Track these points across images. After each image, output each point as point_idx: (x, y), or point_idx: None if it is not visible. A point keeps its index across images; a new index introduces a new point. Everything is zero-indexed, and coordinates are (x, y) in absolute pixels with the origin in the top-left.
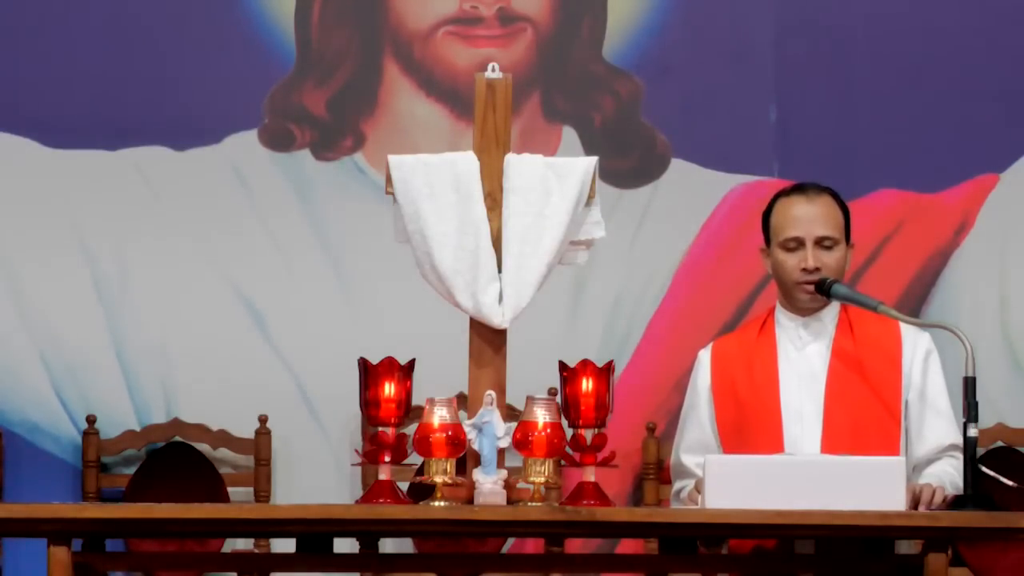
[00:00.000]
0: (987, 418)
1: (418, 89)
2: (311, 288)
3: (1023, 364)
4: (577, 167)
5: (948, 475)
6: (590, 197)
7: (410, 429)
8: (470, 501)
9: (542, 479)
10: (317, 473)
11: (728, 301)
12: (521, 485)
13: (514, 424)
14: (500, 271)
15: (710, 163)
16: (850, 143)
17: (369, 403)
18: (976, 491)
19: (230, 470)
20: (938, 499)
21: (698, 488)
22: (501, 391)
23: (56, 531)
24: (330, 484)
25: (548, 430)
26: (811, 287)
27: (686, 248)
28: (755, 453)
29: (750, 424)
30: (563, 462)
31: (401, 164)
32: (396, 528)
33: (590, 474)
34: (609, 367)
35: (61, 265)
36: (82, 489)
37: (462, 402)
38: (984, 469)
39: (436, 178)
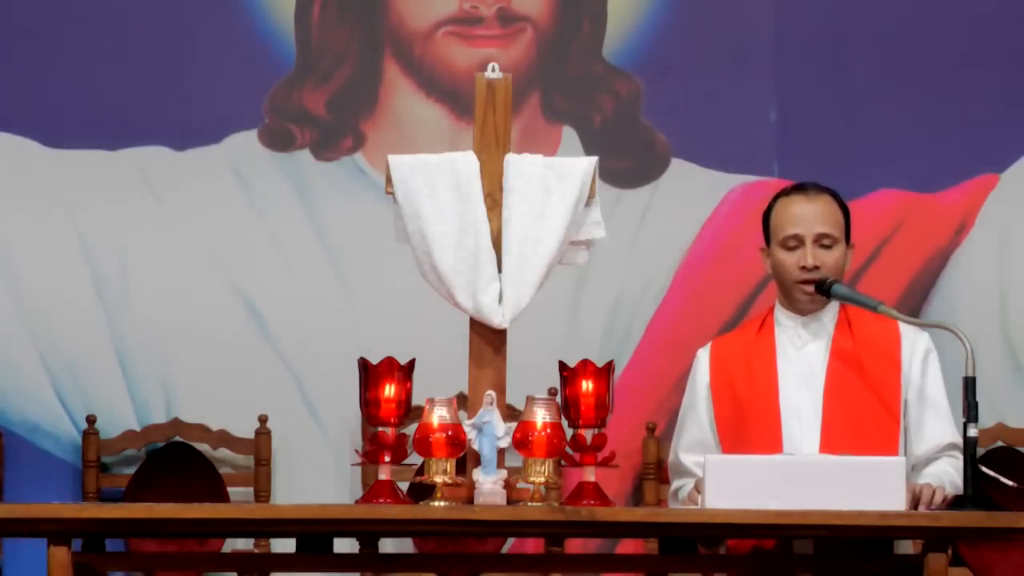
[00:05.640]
0: (987, 418)
1: (418, 89)
2: (311, 288)
3: (1023, 364)
4: (577, 167)
5: (948, 475)
6: (590, 197)
7: (410, 429)
8: (470, 501)
9: (542, 479)
10: (317, 473)
11: (728, 301)
12: (521, 485)
13: (514, 424)
14: (500, 271)
15: (710, 163)
16: (850, 143)
17: (369, 403)
18: (976, 491)
19: (230, 470)
20: (938, 499)
21: (697, 488)
22: (501, 391)
23: (56, 531)
24: (330, 484)
25: (548, 430)
26: (810, 287)
27: (686, 248)
28: (754, 452)
29: (749, 423)
30: (563, 462)
31: (401, 164)
32: (396, 528)
33: (590, 474)
34: (609, 367)
35: (61, 265)
36: (82, 489)
37: (462, 402)
38: (984, 469)
39: (436, 178)
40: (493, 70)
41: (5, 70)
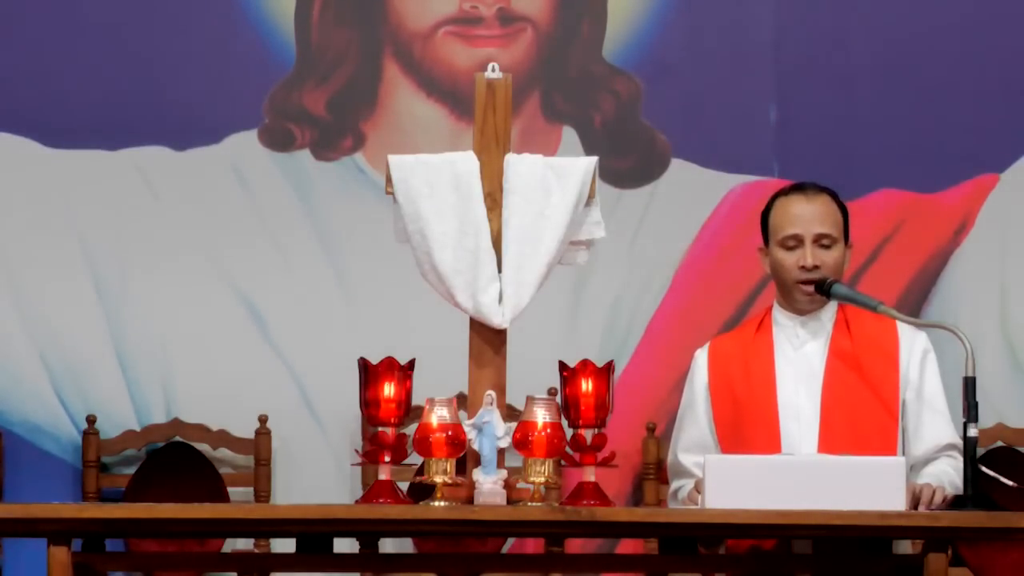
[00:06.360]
0: (987, 418)
1: (418, 89)
2: (311, 288)
3: (1023, 364)
4: (577, 167)
5: (947, 475)
6: (590, 197)
7: (410, 429)
8: (470, 501)
9: (542, 479)
10: (317, 473)
11: (728, 301)
12: (521, 485)
13: (514, 424)
14: (500, 271)
15: (710, 163)
16: (850, 143)
17: (369, 403)
18: (976, 491)
19: (230, 470)
20: (938, 499)
21: (697, 488)
22: (501, 391)
23: (56, 531)
24: (330, 484)
25: (548, 430)
26: (810, 287)
27: (686, 248)
28: (752, 452)
29: (747, 423)
30: (563, 462)
31: (401, 164)
32: (396, 528)
33: (590, 474)
34: (609, 367)
35: (61, 265)
36: (82, 489)
37: (462, 402)
38: (984, 469)
39: (436, 178)
40: (493, 70)
41: (6, 70)
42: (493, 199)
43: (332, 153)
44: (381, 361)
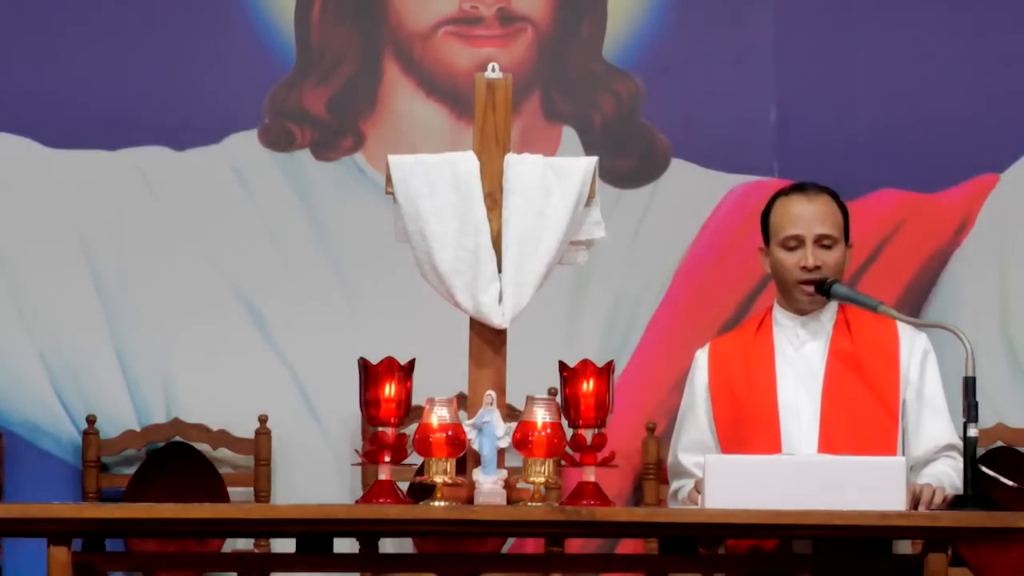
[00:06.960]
0: (987, 418)
1: (418, 89)
2: (311, 288)
3: (1023, 364)
4: (577, 167)
5: (947, 475)
6: (590, 197)
7: (410, 429)
8: (470, 501)
9: (542, 479)
10: (317, 473)
11: (728, 301)
12: (521, 485)
13: (514, 424)
14: (500, 271)
15: (710, 163)
16: (850, 143)
17: (369, 403)
18: (976, 491)
19: (230, 470)
20: (938, 499)
21: (697, 488)
22: (501, 391)
23: (56, 531)
24: (330, 484)
25: (548, 430)
26: (811, 287)
27: (686, 248)
28: (753, 452)
29: (748, 423)
30: (563, 462)
31: (401, 164)
32: (396, 528)
33: (590, 474)
34: (609, 367)
35: (61, 265)
36: (82, 489)
37: (462, 402)
38: (984, 469)
39: (436, 178)
40: (493, 70)
41: (5, 70)
42: (493, 199)
43: (332, 153)
44: (381, 361)
